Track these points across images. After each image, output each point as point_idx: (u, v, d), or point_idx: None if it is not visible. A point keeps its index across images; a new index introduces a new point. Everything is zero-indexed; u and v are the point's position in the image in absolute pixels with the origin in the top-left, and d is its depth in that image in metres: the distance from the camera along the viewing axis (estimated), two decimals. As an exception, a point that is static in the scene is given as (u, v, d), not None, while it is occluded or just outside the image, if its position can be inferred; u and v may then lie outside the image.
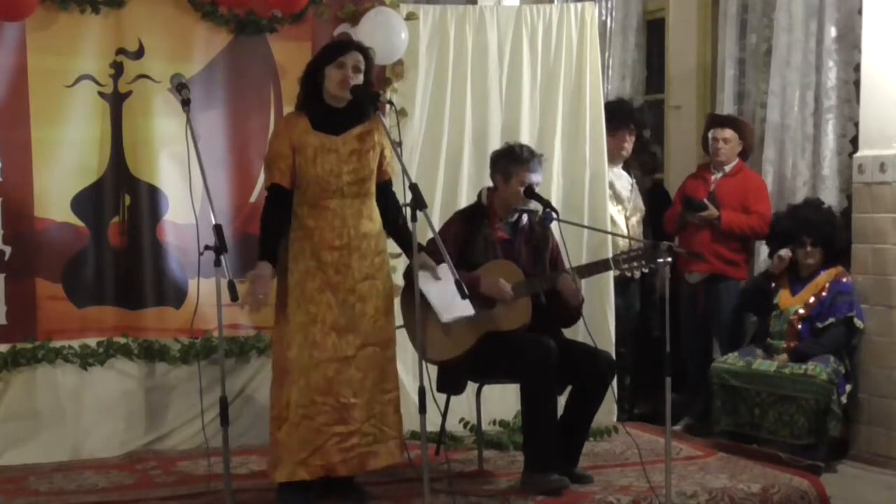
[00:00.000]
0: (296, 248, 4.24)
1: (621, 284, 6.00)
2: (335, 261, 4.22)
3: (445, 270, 4.17)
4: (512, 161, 4.70)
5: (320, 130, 4.23)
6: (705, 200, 6.00)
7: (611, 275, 5.72)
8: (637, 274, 6.03)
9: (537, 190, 4.69)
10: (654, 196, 6.60)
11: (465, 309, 4.26)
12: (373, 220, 4.33)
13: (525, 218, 4.75)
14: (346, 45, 4.28)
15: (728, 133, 6.06)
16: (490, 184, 4.83)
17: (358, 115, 4.28)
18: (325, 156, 4.21)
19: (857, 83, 5.74)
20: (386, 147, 4.36)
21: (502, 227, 4.73)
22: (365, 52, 4.27)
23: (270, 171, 4.26)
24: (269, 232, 4.27)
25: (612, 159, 6.09)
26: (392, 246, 5.46)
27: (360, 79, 4.20)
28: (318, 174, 4.20)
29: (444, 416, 4.85)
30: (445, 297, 4.30)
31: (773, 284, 5.80)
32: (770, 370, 5.51)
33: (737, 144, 6.08)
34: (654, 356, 6.48)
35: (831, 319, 5.53)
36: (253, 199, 5.42)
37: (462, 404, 5.26)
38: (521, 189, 4.65)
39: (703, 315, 6.15)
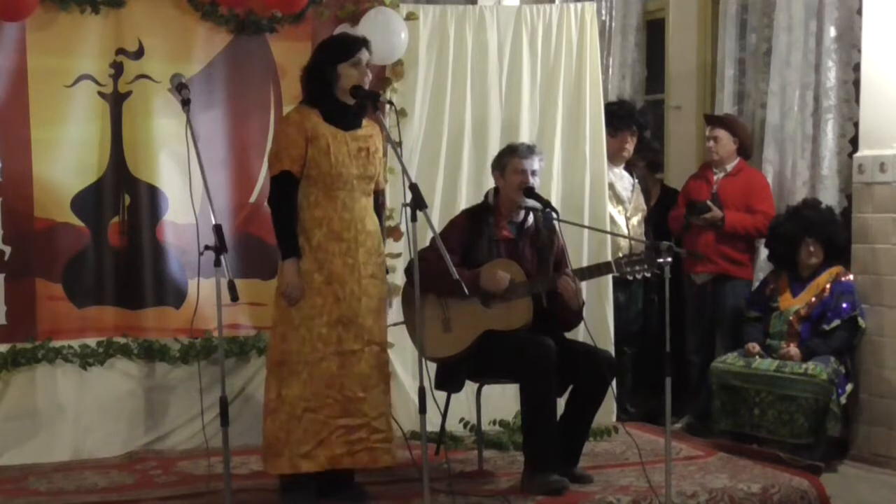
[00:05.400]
0: (301, 240, 4.24)
1: (623, 283, 5.99)
2: (342, 252, 4.23)
3: None
4: (504, 154, 4.79)
5: (331, 124, 4.25)
6: (708, 202, 5.99)
7: (611, 275, 5.72)
8: (639, 276, 6.05)
9: (538, 183, 4.71)
10: (662, 197, 6.63)
11: None
12: (374, 220, 4.37)
13: (531, 219, 4.76)
14: (358, 43, 4.30)
15: (718, 132, 6.07)
16: (492, 184, 4.86)
17: (363, 112, 4.34)
18: (338, 147, 4.22)
19: (856, 83, 5.74)
20: (383, 156, 4.41)
21: (507, 226, 4.74)
22: (369, 47, 4.33)
23: (280, 159, 4.22)
24: (287, 224, 4.24)
25: (614, 160, 6.10)
26: (392, 246, 5.50)
27: (370, 76, 4.28)
28: (332, 164, 4.20)
29: (444, 415, 4.84)
30: None
31: (773, 287, 5.80)
32: (770, 370, 5.51)
33: (729, 143, 6.07)
34: (656, 356, 6.49)
35: (837, 321, 5.51)
36: (253, 199, 5.42)
37: (462, 404, 5.26)
38: (518, 178, 4.67)
39: (710, 315, 6.14)
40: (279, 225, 4.27)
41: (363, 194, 4.30)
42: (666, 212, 6.47)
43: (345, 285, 4.23)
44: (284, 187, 4.24)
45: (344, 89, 4.24)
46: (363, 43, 4.30)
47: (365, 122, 4.35)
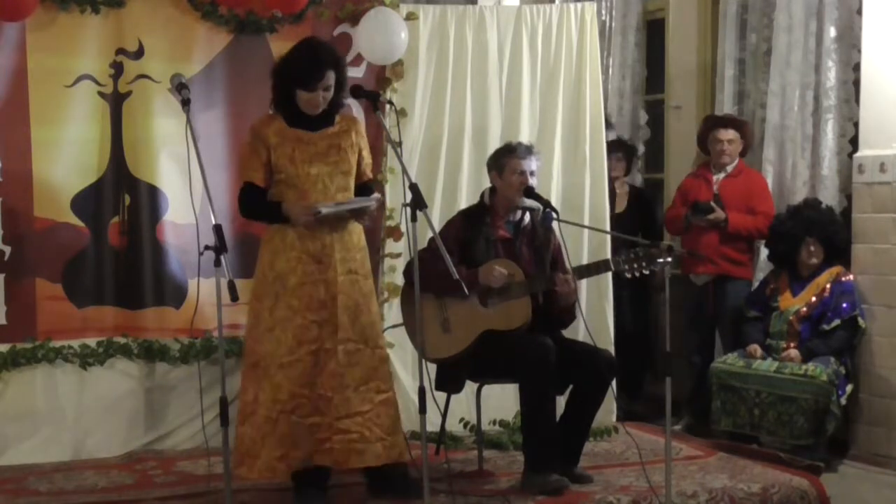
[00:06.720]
0: (276, 240, 4.24)
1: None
2: (318, 251, 4.22)
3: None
4: (502, 154, 4.76)
5: (297, 128, 4.25)
6: (712, 203, 5.99)
7: (610, 274, 5.72)
8: (637, 274, 6.04)
9: (536, 182, 4.70)
10: (632, 200, 6.65)
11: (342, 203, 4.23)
12: None
13: (528, 218, 4.76)
14: (318, 71, 4.16)
15: (731, 134, 6.07)
16: (489, 184, 4.85)
17: (332, 117, 4.31)
18: (303, 150, 4.22)
19: (856, 83, 5.74)
20: (364, 149, 4.40)
21: (504, 226, 4.74)
22: (338, 65, 4.25)
23: (243, 171, 4.31)
24: (261, 205, 4.27)
25: None
26: (392, 246, 5.50)
27: (329, 96, 4.21)
28: (298, 167, 4.21)
29: (444, 415, 4.84)
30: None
31: (773, 286, 5.80)
32: (770, 370, 5.50)
33: (739, 144, 6.09)
34: (635, 355, 6.48)
35: (837, 321, 5.51)
36: (252, 199, 5.42)
37: (462, 404, 5.26)
38: (517, 179, 4.65)
39: (711, 315, 6.14)
40: (259, 209, 4.30)
41: (339, 190, 4.27)
42: (639, 213, 6.54)
43: (318, 284, 4.21)
44: (250, 197, 4.29)
45: (304, 105, 4.22)
46: (327, 68, 4.17)
47: (338, 118, 4.33)
